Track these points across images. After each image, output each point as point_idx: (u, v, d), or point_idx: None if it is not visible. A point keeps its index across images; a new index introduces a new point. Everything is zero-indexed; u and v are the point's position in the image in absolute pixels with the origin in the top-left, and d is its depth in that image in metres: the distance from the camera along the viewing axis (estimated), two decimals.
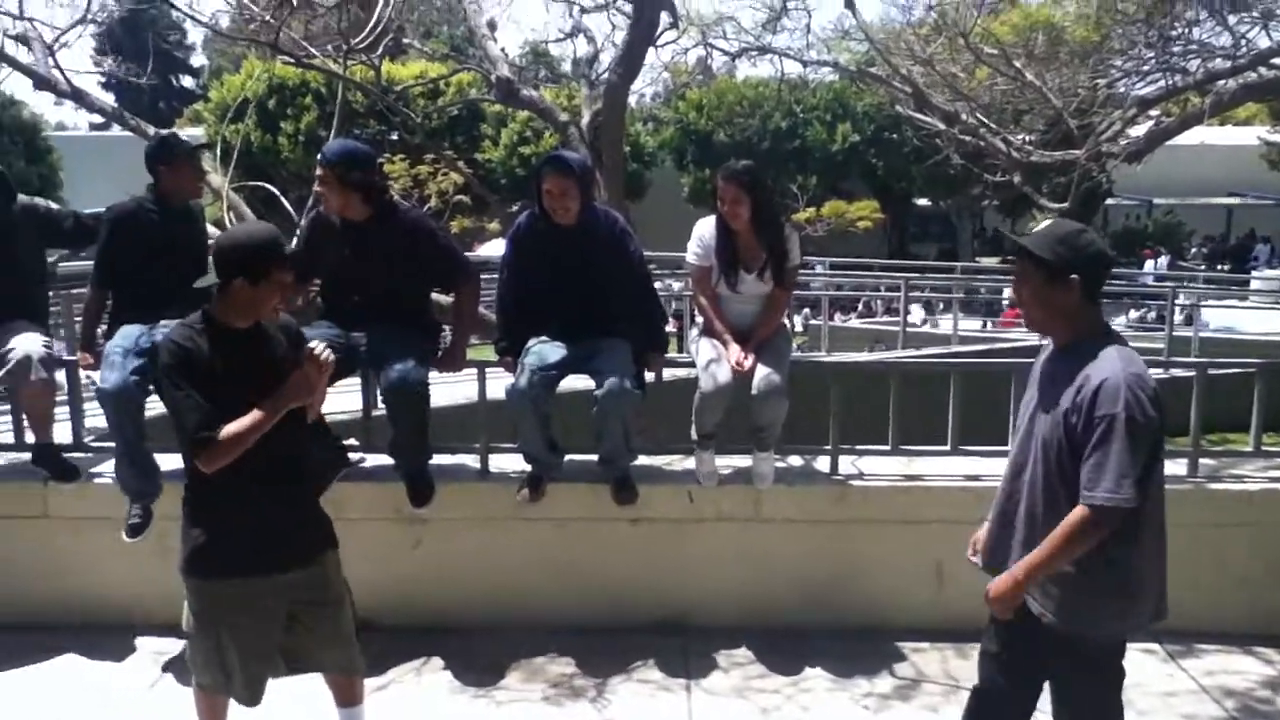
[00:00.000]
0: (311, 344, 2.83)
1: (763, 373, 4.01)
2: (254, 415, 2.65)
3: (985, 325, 16.49)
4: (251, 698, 2.91)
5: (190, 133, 23.34)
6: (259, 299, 2.73)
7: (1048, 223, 2.65)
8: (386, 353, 3.91)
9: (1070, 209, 9.74)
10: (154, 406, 4.22)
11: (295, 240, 4.26)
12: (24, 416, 4.35)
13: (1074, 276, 2.49)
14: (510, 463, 4.37)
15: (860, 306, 21.03)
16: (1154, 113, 9.37)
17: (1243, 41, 7.69)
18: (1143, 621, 2.63)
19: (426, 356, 4.06)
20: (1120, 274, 21.22)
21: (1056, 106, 8.87)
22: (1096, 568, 2.50)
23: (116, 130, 9.57)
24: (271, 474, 2.77)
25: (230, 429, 2.63)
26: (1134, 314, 18.75)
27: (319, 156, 3.95)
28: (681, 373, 4.51)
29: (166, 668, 3.92)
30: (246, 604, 2.82)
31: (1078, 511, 2.43)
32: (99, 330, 4.38)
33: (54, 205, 4.71)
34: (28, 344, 4.02)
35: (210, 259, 2.74)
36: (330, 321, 4.05)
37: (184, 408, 2.64)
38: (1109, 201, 27.75)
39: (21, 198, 4.32)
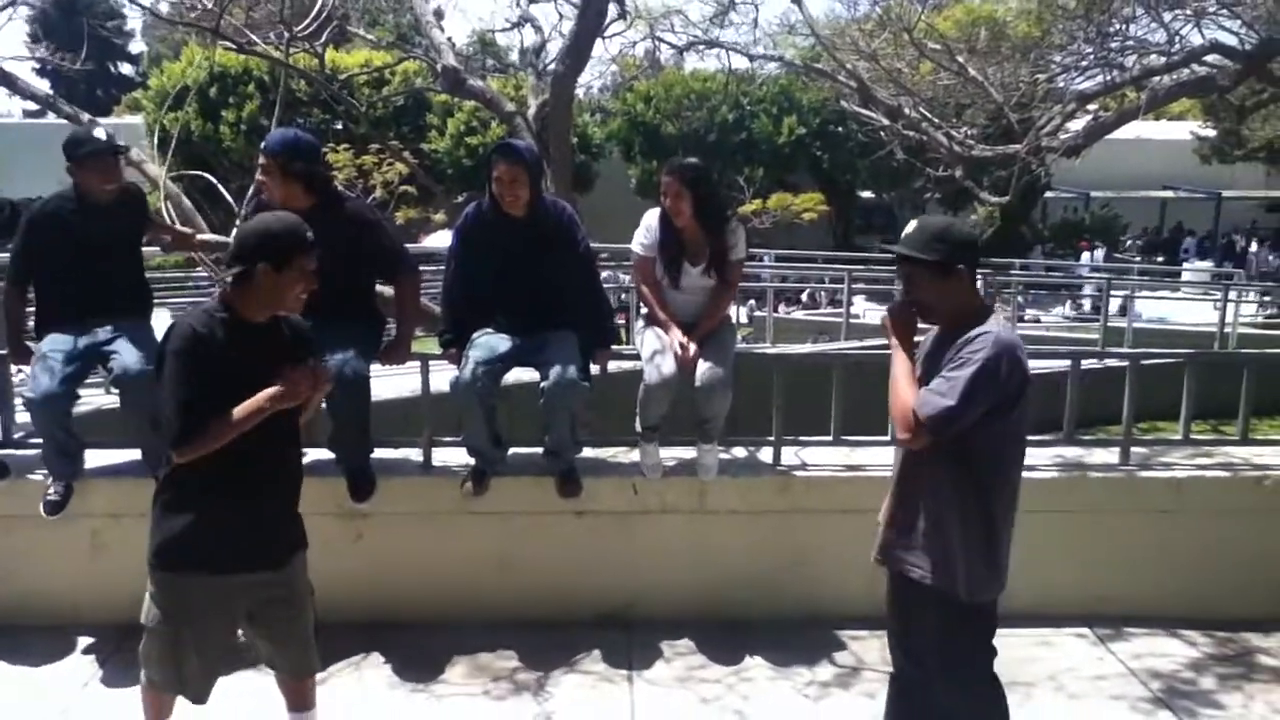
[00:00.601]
0: (322, 361, 2.83)
1: (707, 365, 4.03)
2: (233, 416, 2.62)
3: None
4: (201, 695, 2.88)
5: (129, 121, 22.87)
6: (283, 286, 2.70)
7: (913, 224, 2.73)
8: (326, 344, 3.86)
9: (1010, 202, 9.92)
10: (83, 403, 4.16)
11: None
12: None
13: (960, 266, 2.63)
14: (454, 456, 4.34)
15: (805, 298, 21.18)
16: (1092, 107, 9.57)
17: (1177, 38, 7.88)
18: (1001, 586, 2.77)
19: (368, 348, 4.02)
20: (1058, 266, 21.66)
21: (998, 101, 9.00)
22: (964, 527, 2.66)
23: (52, 118, 9.33)
24: (258, 469, 2.75)
25: (214, 429, 2.61)
26: (1069, 306, 19.13)
27: (261, 145, 3.89)
28: (627, 364, 4.51)
29: (101, 665, 3.84)
30: (215, 601, 2.79)
31: (913, 400, 2.60)
32: (27, 328, 4.27)
33: None
34: None
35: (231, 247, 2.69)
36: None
37: (177, 397, 2.61)
38: (1048, 194, 28.26)
39: None
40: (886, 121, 10.15)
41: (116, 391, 3.96)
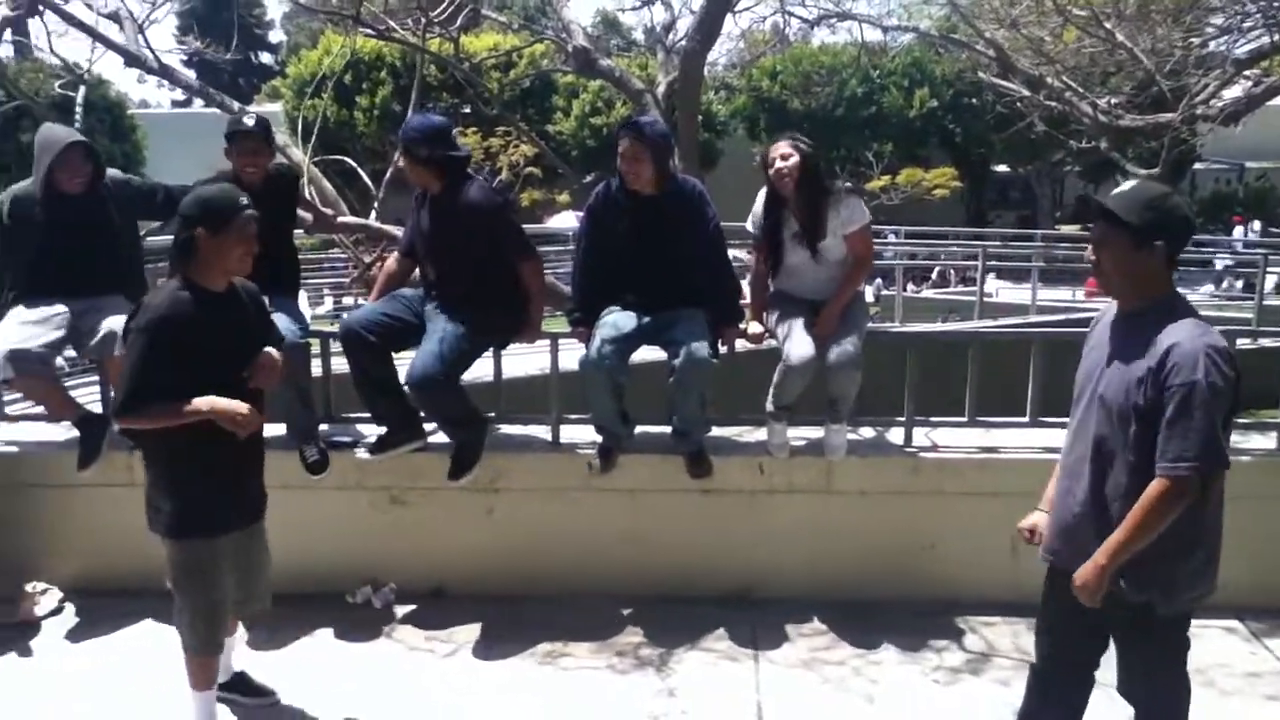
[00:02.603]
0: (268, 352, 3.08)
1: (838, 343, 3.97)
2: (179, 409, 2.81)
3: (1074, 295, 15.95)
4: (219, 647, 3.21)
5: (268, 108, 23.81)
6: (222, 249, 2.90)
7: (1131, 184, 2.55)
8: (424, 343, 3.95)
9: (1160, 174, 9.43)
10: None
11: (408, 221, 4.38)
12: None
13: (1159, 243, 2.42)
14: (581, 433, 4.40)
15: (934, 276, 20.64)
16: (1253, 72, 8.99)
17: None
18: (1209, 591, 2.56)
19: (452, 347, 3.93)
20: (1206, 241, 20.46)
21: (1148, 68, 8.54)
22: (1170, 536, 2.42)
23: (198, 107, 9.78)
24: (240, 440, 2.95)
25: (157, 409, 2.82)
26: (1223, 284, 18.07)
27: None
28: (752, 343, 4.48)
29: (248, 629, 4.03)
30: (227, 556, 3.06)
31: (1158, 484, 2.36)
32: None
33: (142, 180, 4.85)
34: (116, 320, 4.16)
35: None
36: (428, 297, 4.15)
37: (140, 370, 2.80)
38: (1197, 166, 26.71)
39: (112, 172, 4.45)
40: (1026, 92, 9.78)
41: None
